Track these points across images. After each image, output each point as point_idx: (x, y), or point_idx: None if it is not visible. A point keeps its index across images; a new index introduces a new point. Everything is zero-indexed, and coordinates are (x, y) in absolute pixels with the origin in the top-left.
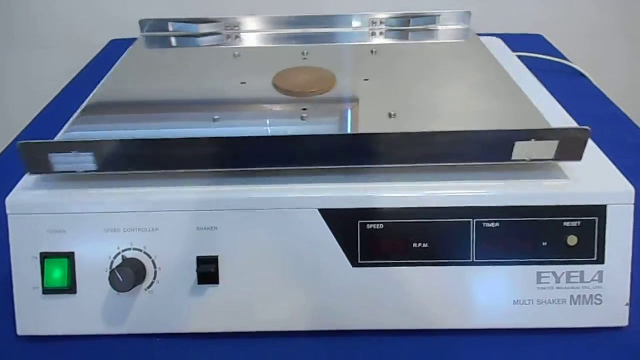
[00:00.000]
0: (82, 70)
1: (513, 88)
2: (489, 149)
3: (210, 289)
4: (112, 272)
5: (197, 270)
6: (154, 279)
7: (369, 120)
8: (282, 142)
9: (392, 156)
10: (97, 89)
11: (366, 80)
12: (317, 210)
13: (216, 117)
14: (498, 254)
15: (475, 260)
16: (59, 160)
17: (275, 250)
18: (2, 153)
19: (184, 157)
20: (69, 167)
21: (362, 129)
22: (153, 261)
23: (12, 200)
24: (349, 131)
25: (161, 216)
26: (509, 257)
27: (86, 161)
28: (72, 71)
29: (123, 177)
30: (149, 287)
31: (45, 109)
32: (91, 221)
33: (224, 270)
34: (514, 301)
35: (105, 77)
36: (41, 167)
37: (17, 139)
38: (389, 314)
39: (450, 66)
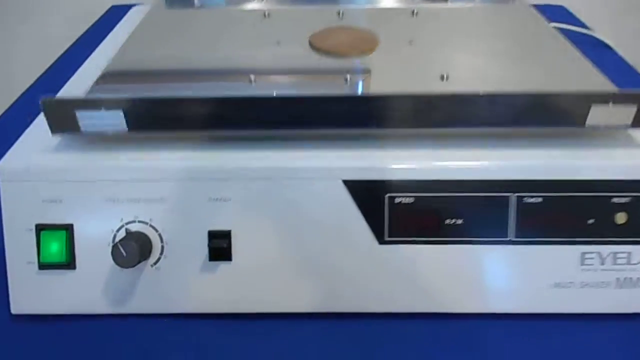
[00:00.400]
0: (82, 35)
1: (570, 50)
2: (560, 114)
3: (222, 266)
4: (114, 246)
5: (208, 246)
6: (161, 254)
7: (419, 82)
8: (333, 102)
9: (451, 119)
10: (118, 51)
11: (410, 42)
12: (341, 181)
13: (252, 77)
14: (539, 232)
15: (513, 239)
16: (87, 119)
17: (294, 224)
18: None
19: (223, 116)
20: (96, 126)
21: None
22: (159, 235)
23: (4, 165)
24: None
25: (169, 185)
26: (551, 236)
27: (116, 120)
28: (72, 37)
29: (129, 142)
30: (154, 263)
31: (44, 73)
32: (91, 190)
33: (237, 246)
34: (554, 284)
35: (127, 39)
36: (66, 125)
37: (15, 103)
38: (416, 296)
39: (498, 28)
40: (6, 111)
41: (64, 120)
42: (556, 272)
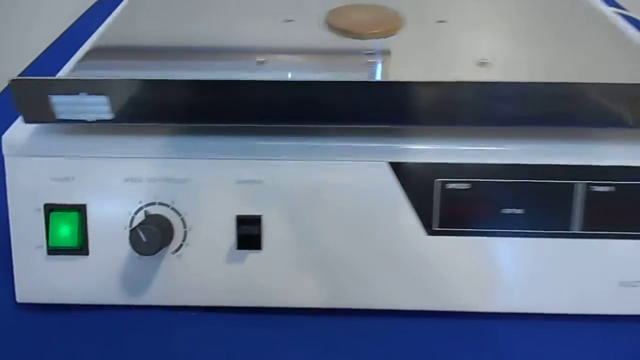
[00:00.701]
0: (87, 10)
1: (619, 34)
2: (626, 106)
3: (251, 255)
4: (133, 230)
5: (236, 232)
6: (183, 240)
7: (454, 68)
8: (349, 89)
9: (495, 114)
10: (105, 24)
11: (441, 22)
12: (387, 164)
13: (260, 59)
14: (607, 225)
15: (578, 232)
16: (62, 105)
17: (332, 211)
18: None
19: (226, 106)
20: (74, 114)
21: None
22: (182, 219)
23: (10, 138)
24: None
25: (194, 164)
26: (620, 229)
27: (98, 106)
28: (73, 15)
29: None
30: (176, 251)
31: (43, 52)
32: (107, 167)
33: (268, 234)
34: (620, 282)
35: (116, 12)
36: (39, 112)
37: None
38: (466, 294)
39: (539, 10)
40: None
41: (34, 106)
42: (623, 270)
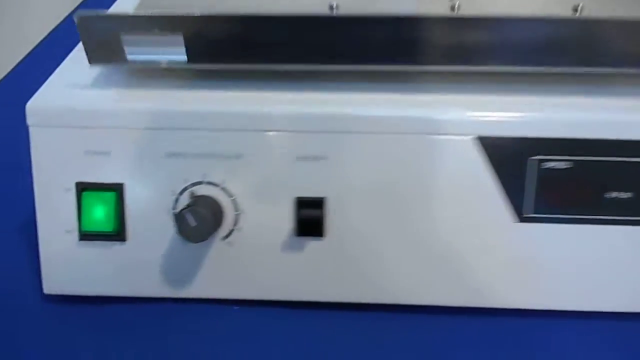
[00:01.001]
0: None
1: None
2: None
3: (312, 243)
4: (179, 213)
5: (295, 217)
6: (234, 225)
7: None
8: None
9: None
10: None
11: None
12: (475, 138)
13: (333, 3)
14: None
15: None
16: (133, 45)
17: (408, 192)
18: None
19: (322, 45)
20: (147, 55)
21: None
22: (234, 201)
23: (35, 106)
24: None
25: (248, 137)
26: None
27: (172, 47)
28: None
29: (195, 78)
30: (226, 237)
31: (38, 44)
32: (149, 139)
33: (332, 218)
34: None
35: None
36: (107, 53)
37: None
38: (563, 289)
39: None
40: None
41: (106, 46)
42: None
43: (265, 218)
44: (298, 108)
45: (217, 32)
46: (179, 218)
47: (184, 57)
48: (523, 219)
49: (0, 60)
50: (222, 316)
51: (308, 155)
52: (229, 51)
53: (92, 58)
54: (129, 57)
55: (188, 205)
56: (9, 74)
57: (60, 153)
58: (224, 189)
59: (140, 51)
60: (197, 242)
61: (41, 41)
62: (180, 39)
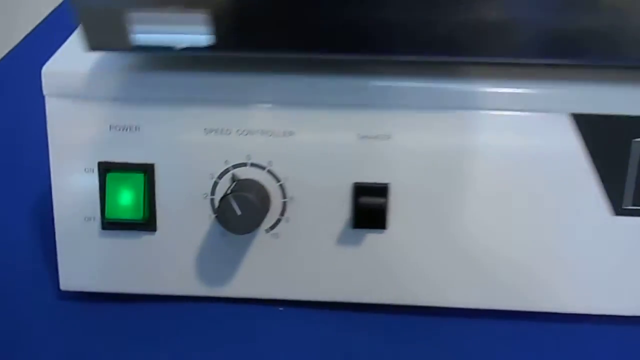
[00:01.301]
0: None
1: None
2: None
3: (372, 236)
4: (224, 199)
5: (353, 206)
6: (282, 214)
7: None
8: None
9: None
10: None
11: None
12: (568, 116)
13: None
14: None
15: None
16: (143, 25)
17: (484, 179)
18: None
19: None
20: (159, 38)
21: None
22: (281, 186)
23: (53, 71)
24: None
25: (300, 113)
26: None
27: (192, 27)
28: None
29: None
30: (272, 228)
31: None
32: (184, 113)
33: (397, 208)
34: None
35: None
36: (110, 36)
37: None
38: None
39: None
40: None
41: (108, 28)
42: None
43: (318, 207)
44: (358, 80)
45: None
46: (223, 205)
47: (206, 42)
48: (621, 212)
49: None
50: (266, 319)
51: (369, 134)
52: (264, 35)
53: (92, 42)
54: (136, 41)
55: (232, 191)
56: (15, 47)
57: (81, 128)
58: (270, 172)
59: (151, 33)
60: (243, 233)
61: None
62: (203, 17)
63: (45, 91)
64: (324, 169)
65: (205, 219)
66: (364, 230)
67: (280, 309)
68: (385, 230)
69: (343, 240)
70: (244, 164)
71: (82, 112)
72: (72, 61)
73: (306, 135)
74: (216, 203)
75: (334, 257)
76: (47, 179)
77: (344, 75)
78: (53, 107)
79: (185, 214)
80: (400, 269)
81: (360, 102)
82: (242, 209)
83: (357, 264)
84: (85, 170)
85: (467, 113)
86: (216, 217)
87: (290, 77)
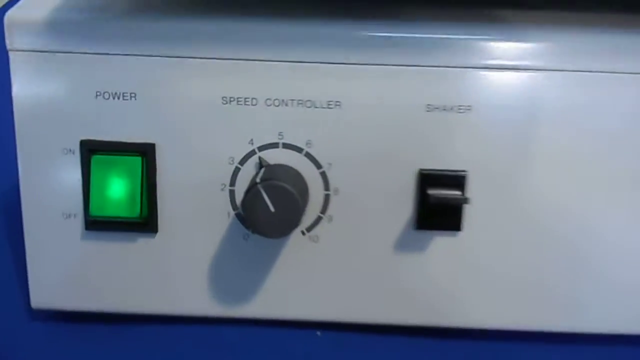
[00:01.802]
0: None
1: None
2: None
3: (442, 240)
4: (252, 190)
5: (417, 200)
6: (322, 212)
7: None
8: None
9: None
10: None
11: None
12: None
13: None
14: None
15: None
16: None
17: (586, 157)
18: None
19: None
20: None
21: None
22: (323, 174)
23: (18, 18)
24: None
25: (348, 77)
26: None
27: None
28: None
29: None
30: (309, 229)
31: None
32: (194, 74)
33: (475, 202)
34: None
35: None
36: None
37: None
38: None
39: None
40: None
41: None
42: None
43: (370, 201)
44: (428, 27)
45: None
46: (251, 199)
47: None
48: None
49: None
50: (300, 346)
51: (443, 104)
52: None
53: None
54: None
55: (262, 179)
56: None
57: (57, 95)
58: (309, 156)
59: None
60: (277, 236)
61: None
62: None
63: (8, 45)
64: (379, 151)
65: (222, 217)
66: (432, 233)
67: (318, 333)
68: (459, 233)
69: (403, 245)
70: (275, 145)
71: (58, 73)
72: (43, 6)
73: (356, 106)
74: (238, 196)
75: (391, 267)
76: (13, 164)
77: (407, 25)
78: (19, 68)
79: (196, 211)
80: (480, 283)
81: (430, 60)
82: (277, 204)
83: (421, 276)
84: (63, 151)
85: (563, 74)
86: (238, 214)
87: (335, 27)
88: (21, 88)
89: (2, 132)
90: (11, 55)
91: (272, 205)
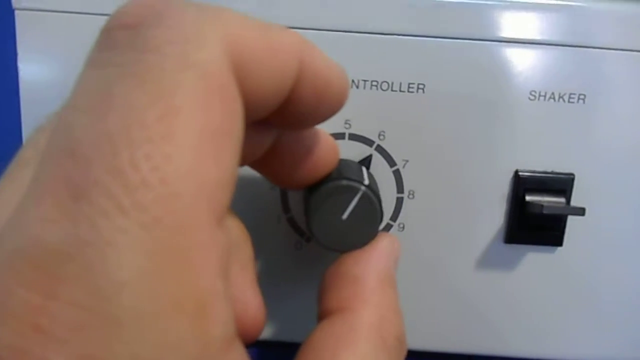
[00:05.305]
0: None
1: None
2: None
3: (538, 257)
4: (322, 190)
5: (512, 207)
6: (393, 218)
7: None
8: None
9: None
10: None
11: None
12: None
13: None
14: None
15: None
16: None
17: None
18: None
19: None
20: None
21: None
22: (397, 173)
23: None
24: None
25: (432, 53)
26: None
27: None
28: None
29: None
30: None
31: None
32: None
33: (591, 213)
34: None
35: None
36: None
37: None
38: None
39: None
40: None
41: None
42: None
43: (452, 208)
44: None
45: None
46: (318, 201)
47: None
48: None
49: None
50: None
51: (552, 91)
52: None
53: None
54: None
55: (331, 179)
56: None
57: (66, 58)
58: (381, 150)
59: None
60: (347, 249)
61: None
62: None
63: (15, 3)
64: (465, 147)
65: (271, 222)
66: (526, 248)
67: None
68: (559, 248)
69: (490, 261)
70: (341, 135)
71: (67, 34)
72: None
73: (441, 90)
74: (292, 198)
75: (472, 287)
76: (17, 136)
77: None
78: (25, 27)
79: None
80: (581, 310)
81: (539, 36)
82: (351, 210)
83: (508, 299)
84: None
85: None
86: (289, 219)
87: None
88: (27, 51)
89: (4, 128)
90: (17, 14)
91: (344, 212)
